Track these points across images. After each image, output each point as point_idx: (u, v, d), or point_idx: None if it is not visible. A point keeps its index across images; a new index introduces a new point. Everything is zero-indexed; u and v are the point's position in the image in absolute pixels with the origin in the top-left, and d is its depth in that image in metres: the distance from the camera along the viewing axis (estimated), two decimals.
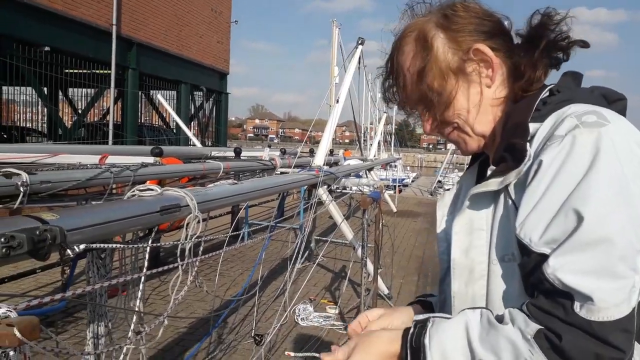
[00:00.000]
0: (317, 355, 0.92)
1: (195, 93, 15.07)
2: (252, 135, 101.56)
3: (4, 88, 10.38)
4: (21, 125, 12.92)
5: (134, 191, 2.27)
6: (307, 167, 5.64)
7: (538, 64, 0.90)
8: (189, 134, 9.72)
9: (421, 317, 0.86)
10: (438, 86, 0.92)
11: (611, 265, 0.69)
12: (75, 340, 3.96)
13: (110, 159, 4.80)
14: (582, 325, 0.69)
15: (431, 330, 0.81)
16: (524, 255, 0.78)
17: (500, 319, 0.77)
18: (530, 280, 0.77)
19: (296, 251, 5.24)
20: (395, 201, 13.44)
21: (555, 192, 0.75)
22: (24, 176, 3.01)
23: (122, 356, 1.94)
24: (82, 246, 1.65)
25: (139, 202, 2.11)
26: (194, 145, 9.84)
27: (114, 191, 4.13)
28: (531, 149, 0.82)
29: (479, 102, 0.92)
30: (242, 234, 6.75)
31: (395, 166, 20.42)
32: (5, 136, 10.12)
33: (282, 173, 5.68)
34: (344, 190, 6.66)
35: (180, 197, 2.34)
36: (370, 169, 10.20)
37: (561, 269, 0.72)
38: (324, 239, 6.82)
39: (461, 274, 0.91)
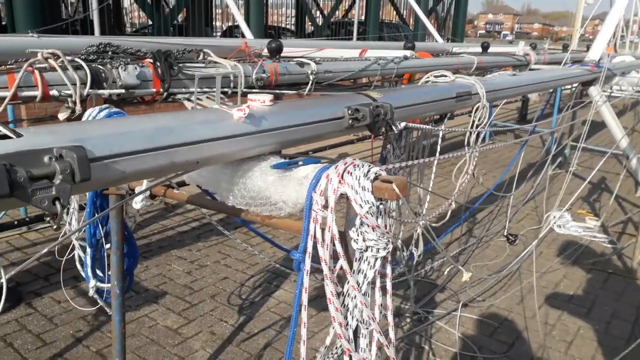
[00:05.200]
0: None
1: None
2: (482, 32, 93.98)
3: None
4: (277, 25, 14.33)
5: (428, 77, 2.31)
6: (569, 63, 4.97)
7: None
8: (431, 28, 9.41)
9: None
10: None
11: None
12: None
13: (369, 53, 4.99)
14: None
15: None
16: None
17: None
18: None
19: (550, 157, 4.82)
20: None
21: None
22: (313, 65, 3.32)
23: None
24: (402, 124, 1.77)
25: (439, 87, 2.14)
26: (435, 41, 9.56)
27: (377, 84, 4.29)
28: None
29: None
30: (483, 134, 6.51)
31: None
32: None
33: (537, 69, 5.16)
34: (612, 94, 5.70)
35: (470, 85, 2.31)
36: None
37: None
38: (584, 145, 6.14)
39: None
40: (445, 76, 2.26)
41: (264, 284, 3.30)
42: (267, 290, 3.22)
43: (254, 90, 3.02)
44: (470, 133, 2.42)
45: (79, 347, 2.56)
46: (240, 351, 2.62)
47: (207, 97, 2.81)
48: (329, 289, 1.18)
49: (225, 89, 2.86)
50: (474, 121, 2.40)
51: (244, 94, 2.99)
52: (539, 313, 3.12)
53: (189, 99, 2.67)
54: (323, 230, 1.18)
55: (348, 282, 1.21)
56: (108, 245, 1.79)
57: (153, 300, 3.07)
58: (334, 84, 3.71)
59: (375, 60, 4.02)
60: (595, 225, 4.50)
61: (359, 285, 1.20)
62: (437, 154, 2.30)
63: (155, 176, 1.07)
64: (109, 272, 1.80)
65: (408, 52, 5.00)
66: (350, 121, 1.57)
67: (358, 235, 1.18)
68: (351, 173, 1.18)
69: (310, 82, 3.32)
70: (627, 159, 4.76)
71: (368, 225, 1.17)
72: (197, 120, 1.14)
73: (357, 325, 1.23)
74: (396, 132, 1.70)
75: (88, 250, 1.78)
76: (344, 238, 1.20)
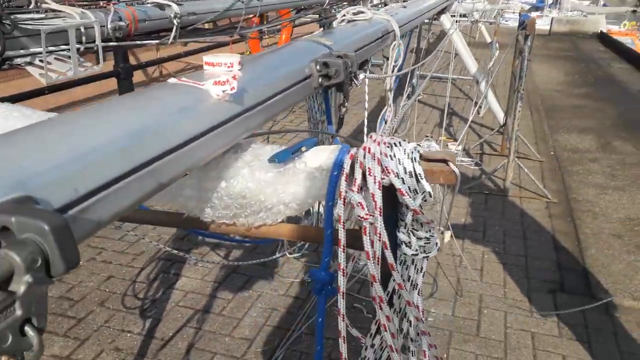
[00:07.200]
0: None
1: None
2: None
3: None
4: None
5: (344, 15, 2.00)
6: None
7: None
8: None
9: None
10: None
11: None
12: None
13: None
14: None
15: None
16: None
17: None
18: None
19: (406, 90, 4.93)
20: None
21: None
22: (175, 7, 2.82)
23: None
24: (361, 76, 1.46)
25: (365, 28, 1.86)
26: None
27: (243, 24, 3.87)
28: None
29: None
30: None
31: None
32: None
33: None
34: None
35: (386, 22, 2.08)
36: None
37: None
38: (427, 74, 6.46)
39: None
40: (364, 13, 1.98)
41: (161, 274, 2.81)
42: (166, 281, 2.75)
43: (110, 44, 2.43)
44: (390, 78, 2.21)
45: None
46: None
47: (55, 59, 2.16)
48: (384, 313, 0.88)
49: (77, 45, 2.22)
50: (391, 63, 2.19)
51: (107, 49, 2.36)
52: (444, 246, 3.21)
53: (32, 63, 2.00)
54: (371, 240, 0.86)
55: (397, 294, 0.93)
56: None
57: None
58: (199, 28, 3.23)
59: None
60: (458, 150, 4.80)
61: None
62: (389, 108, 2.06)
63: (133, 208, 0.63)
64: None
65: None
66: (320, 79, 1.22)
67: (409, 236, 0.90)
68: (390, 156, 0.87)
69: (175, 28, 2.82)
70: (477, 83, 5.11)
71: (418, 222, 0.89)
72: (173, 107, 0.70)
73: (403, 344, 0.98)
74: (357, 85, 1.39)
75: None
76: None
